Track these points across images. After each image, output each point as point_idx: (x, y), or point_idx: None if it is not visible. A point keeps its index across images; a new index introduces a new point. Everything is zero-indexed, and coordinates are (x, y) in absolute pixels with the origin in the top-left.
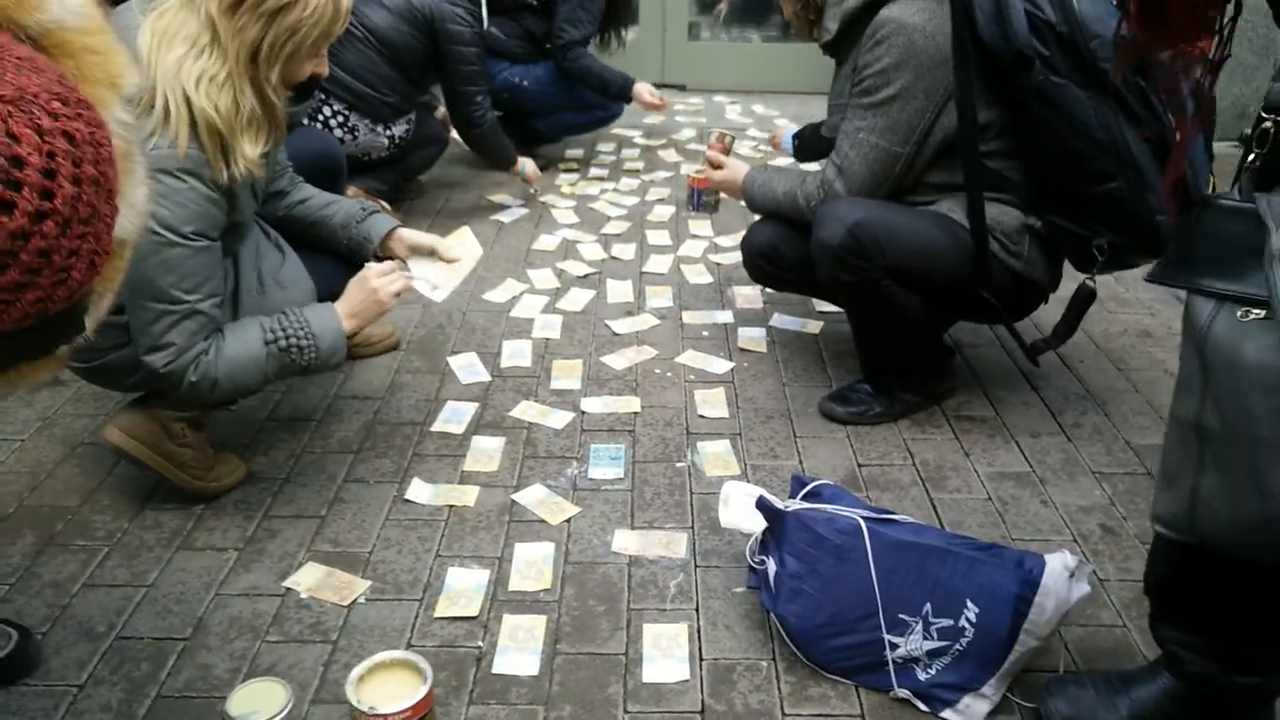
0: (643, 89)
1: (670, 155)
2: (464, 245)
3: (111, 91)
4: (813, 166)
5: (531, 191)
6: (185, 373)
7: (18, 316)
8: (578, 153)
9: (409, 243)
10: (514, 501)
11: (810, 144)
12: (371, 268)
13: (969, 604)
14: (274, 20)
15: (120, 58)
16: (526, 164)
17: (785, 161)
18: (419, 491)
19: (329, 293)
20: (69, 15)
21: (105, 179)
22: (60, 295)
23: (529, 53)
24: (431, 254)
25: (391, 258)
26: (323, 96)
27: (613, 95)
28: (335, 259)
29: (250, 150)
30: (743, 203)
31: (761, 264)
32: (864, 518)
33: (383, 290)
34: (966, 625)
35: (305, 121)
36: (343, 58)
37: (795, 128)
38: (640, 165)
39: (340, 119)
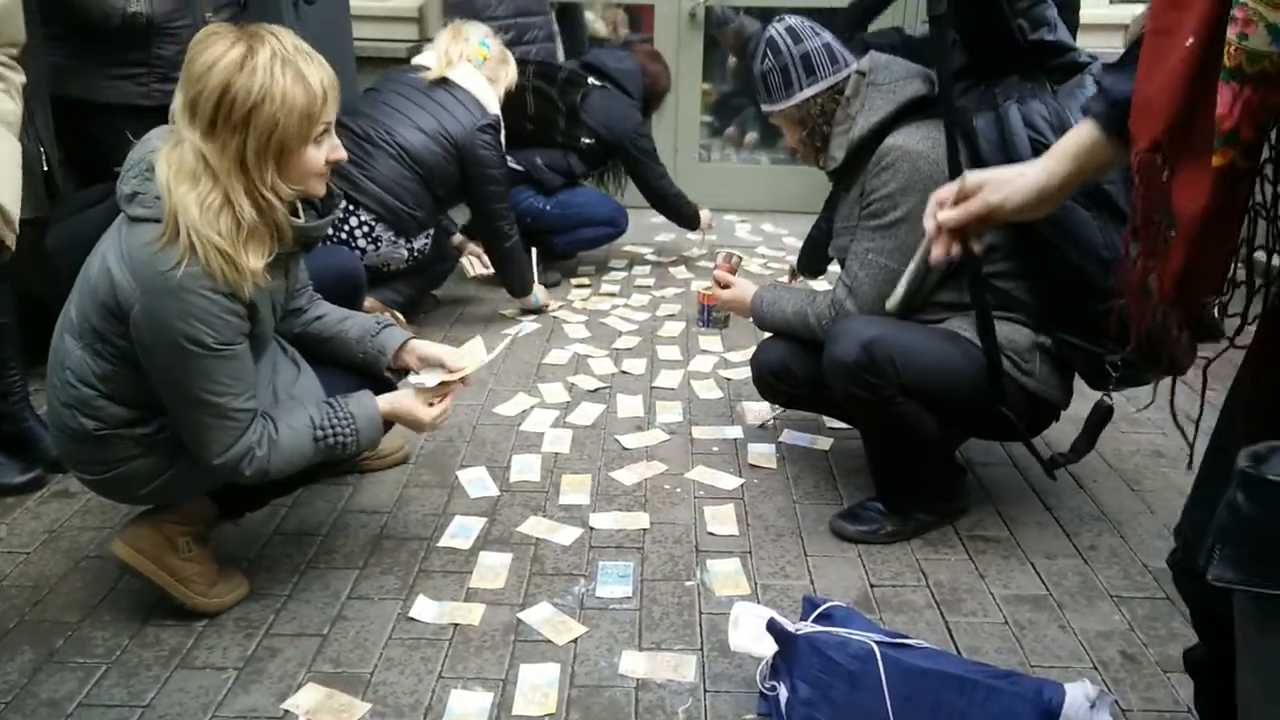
0: (706, 218)
1: (681, 272)
2: (473, 355)
3: None
4: (820, 283)
5: (544, 305)
6: (239, 465)
7: None
8: (590, 268)
9: (420, 354)
10: (520, 620)
11: (807, 257)
12: (423, 409)
13: None
14: (248, 124)
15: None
16: (539, 292)
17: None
18: (424, 609)
19: None
20: None
21: None
22: None
23: (555, 186)
24: (441, 366)
25: (404, 370)
26: (351, 206)
27: (683, 223)
28: (351, 373)
29: (254, 262)
30: (751, 320)
31: (771, 381)
32: (878, 642)
33: (427, 419)
34: None
35: (331, 232)
36: (375, 170)
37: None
38: (651, 281)
39: (366, 229)
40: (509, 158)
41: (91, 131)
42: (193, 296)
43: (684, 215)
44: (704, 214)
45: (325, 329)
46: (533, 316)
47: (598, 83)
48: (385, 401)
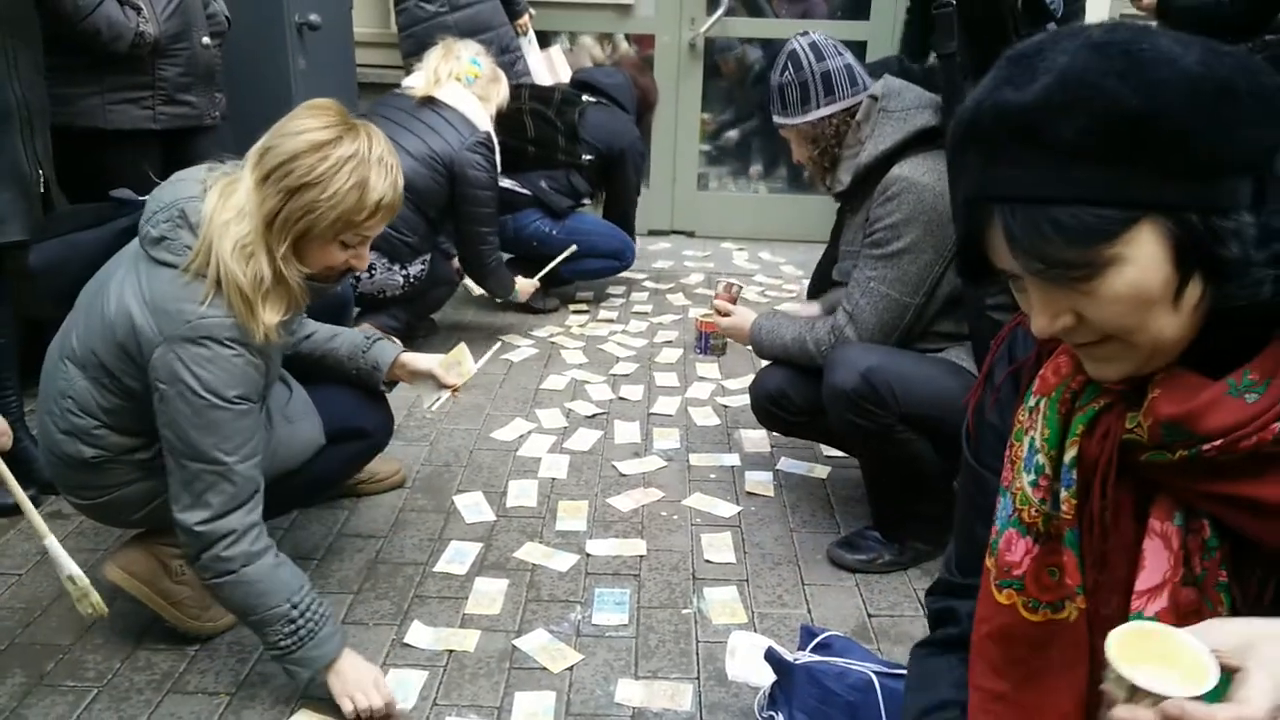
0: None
1: (679, 299)
2: (461, 366)
3: None
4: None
5: (523, 300)
6: (219, 541)
7: None
8: (588, 294)
9: (411, 368)
10: (515, 647)
11: (817, 282)
12: (372, 684)
13: None
14: (292, 196)
15: None
16: (520, 286)
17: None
18: (419, 635)
19: (338, 424)
20: None
21: None
22: None
23: (565, 209)
24: (431, 377)
25: (396, 383)
26: None
27: (630, 232)
28: (346, 388)
29: (270, 317)
30: (750, 349)
31: (770, 409)
32: (876, 673)
33: (359, 700)
34: None
35: None
36: None
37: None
38: (649, 308)
39: None
40: (515, 183)
41: (98, 160)
42: (216, 346)
43: (630, 229)
44: (521, 287)
45: (316, 347)
46: (530, 342)
47: (593, 99)
48: (348, 660)
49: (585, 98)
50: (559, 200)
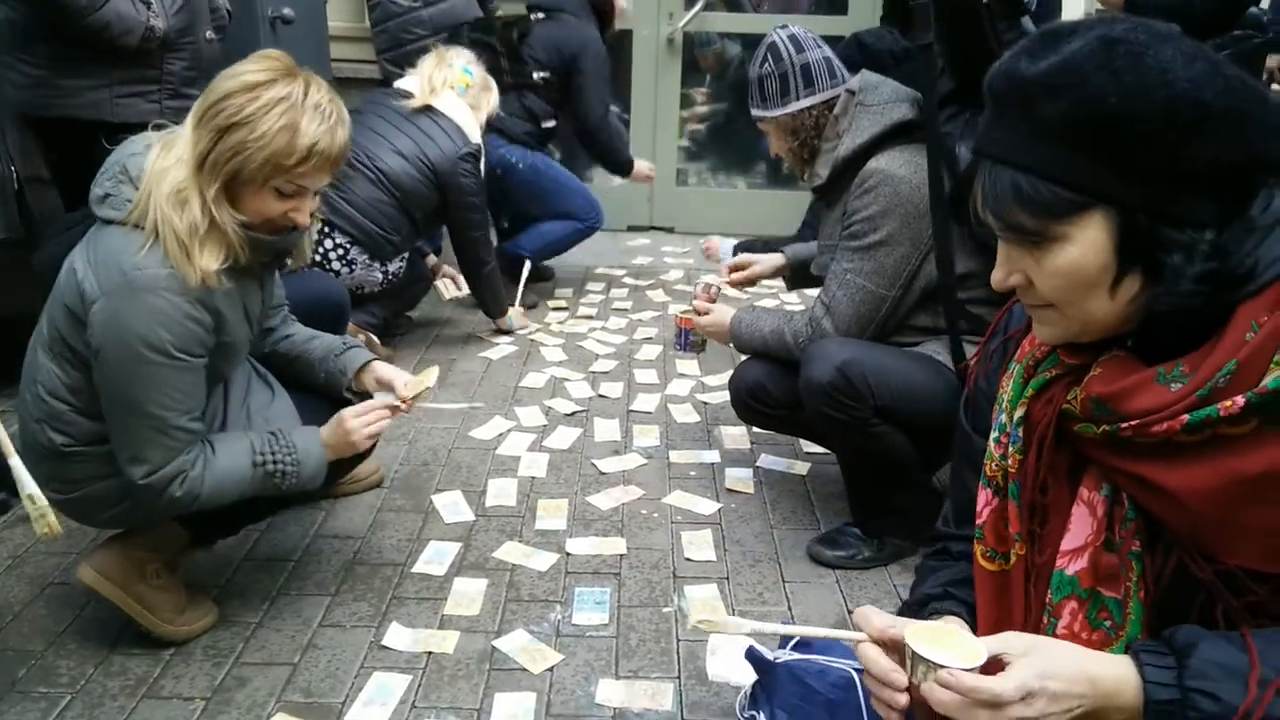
0: (641, 167)
1: (658, 295)
2: (425, 382)
3: None
4: (794, 301)
5: (519, 329)
6: (168, 487)
7: None
8: (567, 291)
9: (377, 376)
10: (495, 648)
11: (798, 274)
12: (348, 410)
13: None
14: (222, 136)
15: None
16: (513, 317)
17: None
18: (397, 637)
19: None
20: None
21: None
22: None
23: (526, 133)
24: (391, 388)
25: (364, 392)
26: (326, 229)
27: (613, 168)
28: (322, 398)
29: (206, 262)
30: (730, 345)
31: (749, 402)
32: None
33: (356, 432)
34: None
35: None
36: (352, 193)
37: (731, 241)
38: (629, 305)
39: (341, 251)
40: None
41: (100, 153)
42: (154, 298)
43: (614, 160)
44: (642, 165)
45: (292, 348)
46: (509, 339)
47: (541, 15)
48: (324, 429)
49: (533, 16)
50: (514, 125)
